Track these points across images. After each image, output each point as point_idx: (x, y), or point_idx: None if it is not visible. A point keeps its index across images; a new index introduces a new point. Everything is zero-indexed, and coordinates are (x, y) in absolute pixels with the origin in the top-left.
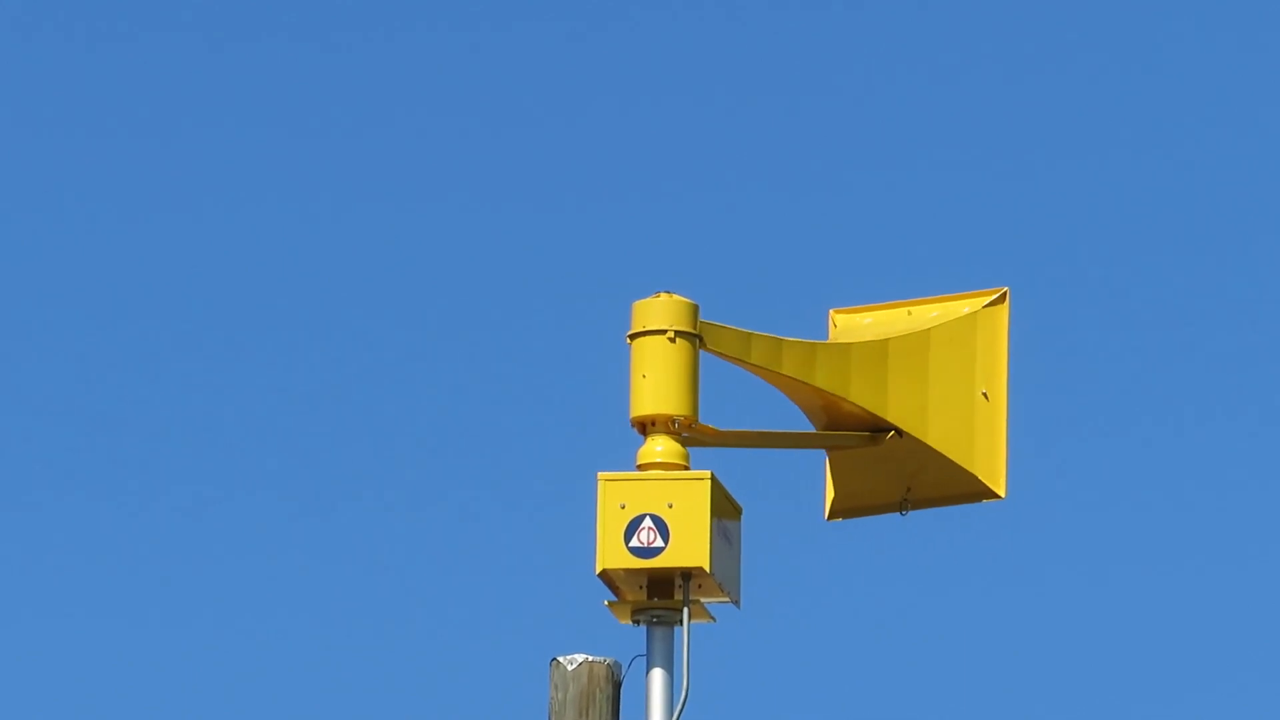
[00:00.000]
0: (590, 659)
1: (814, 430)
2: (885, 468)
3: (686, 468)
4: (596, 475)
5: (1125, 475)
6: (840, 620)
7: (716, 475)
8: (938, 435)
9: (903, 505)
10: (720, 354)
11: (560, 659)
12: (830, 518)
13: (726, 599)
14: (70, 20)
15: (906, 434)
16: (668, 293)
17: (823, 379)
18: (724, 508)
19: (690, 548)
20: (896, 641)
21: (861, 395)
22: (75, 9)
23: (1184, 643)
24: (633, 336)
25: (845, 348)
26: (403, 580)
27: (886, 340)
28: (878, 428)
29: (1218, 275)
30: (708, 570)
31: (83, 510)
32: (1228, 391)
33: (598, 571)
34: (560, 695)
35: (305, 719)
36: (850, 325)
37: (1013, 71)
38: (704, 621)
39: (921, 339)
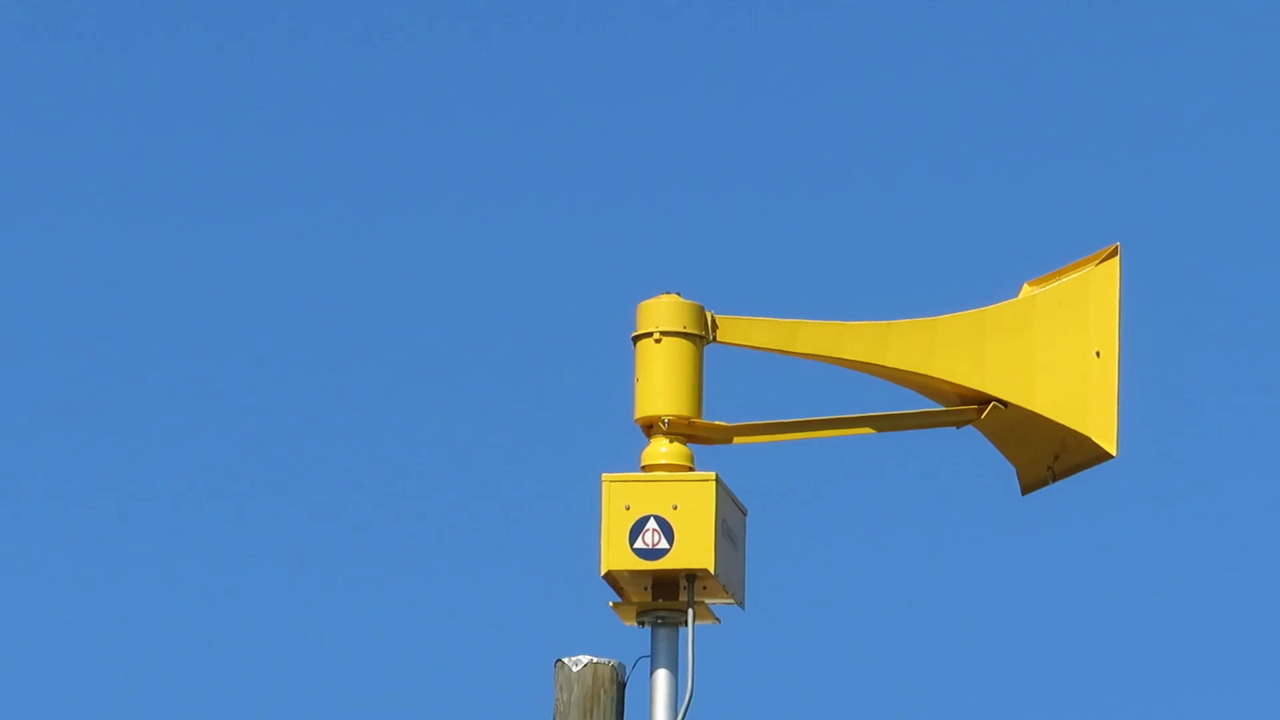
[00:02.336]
0: (595, 660)
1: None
2: (1037, 436)
3: (691, 469)
4: (601, 476)
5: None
6: (845, 621)
7: (721, 476)
8: (1046, 400)
9: (1050, 473)
10: (757, 347)
11: (565, 660)
12: (1025, 493)
13: (731, 600)
14: (70, 20)
15: (1011, 404)
16: (668, 293)
17: (897, 358)
18: (729, 508)
19: (695, 549)
20: (900, 641)
21: (950, 370)
22: (75, 8)
23: None
24: (635, 339)
25: (931, 323)
26: (407, 581)
27: (984, 311)
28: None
29: None
30: (712, 572)
31: (82, 510)
32: None
33: (602, 573)
34: (565, 696)
35: (308, 719)
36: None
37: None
38: (709, 623)
39: (1025, 305)
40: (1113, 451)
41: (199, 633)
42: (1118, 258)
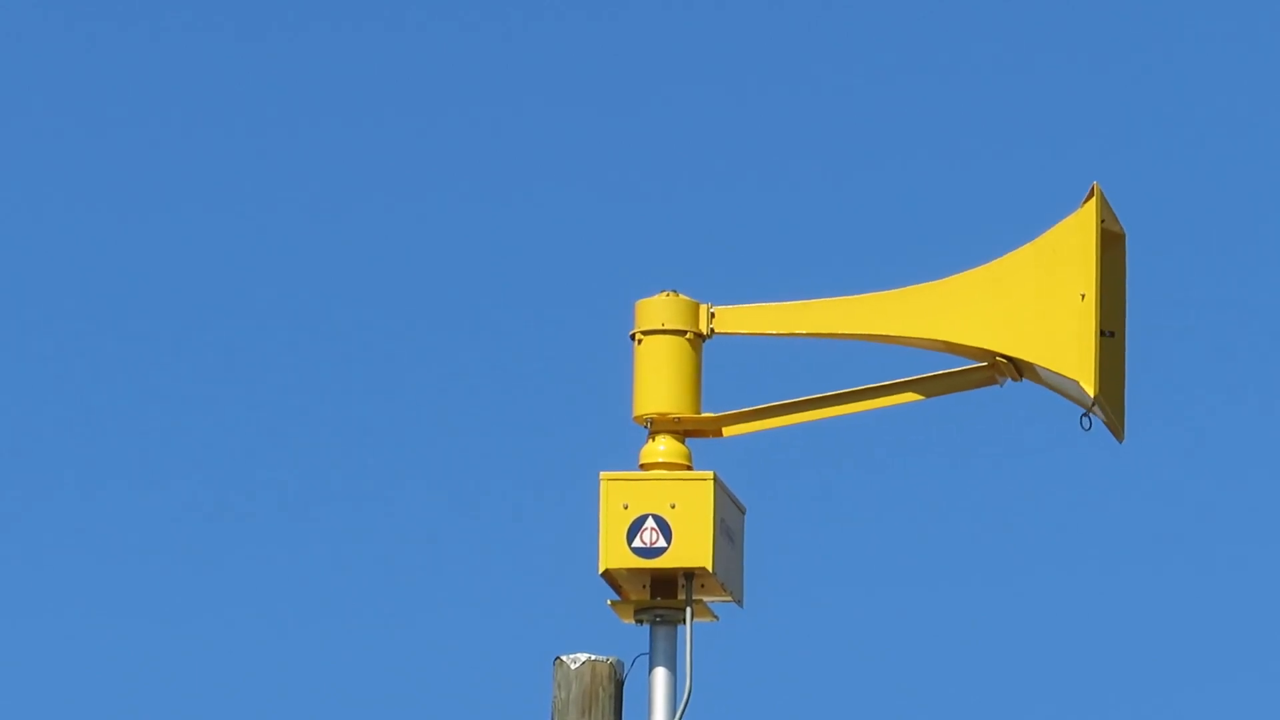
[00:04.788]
0: (593, 658)
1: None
2: (1071, 388)
3: (689, 467)
4: (599, 475)
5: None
6: (844, 618)
7: (722, 472)
8: (1040, 348)
9: (1083, 421)
10: (760, 334)
11: (563, 658)
12: (1120, 440)
13: (729, 598)
14: (69, 18)
15: (1011, 356)
16: (665, 291)
17: (902, 326)
18: (727, 507)
19: (693, 548)
20: (901, 639)
21: (957, 331)
22: (74, 6)
23: None
24: (631, 338)
25: (932, 288)
26: (405, 580)
27: (984, 268)
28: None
29: None
30: (711, 570)
31: (83, 510)
32: None
33: (600, 571)
34: (563, 694)
35: (308, 719)
36: None
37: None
38: (707, 621)
39: (1021, 257)
40: (1091, 393)
41: (198, 633)
42: (1095, 198)
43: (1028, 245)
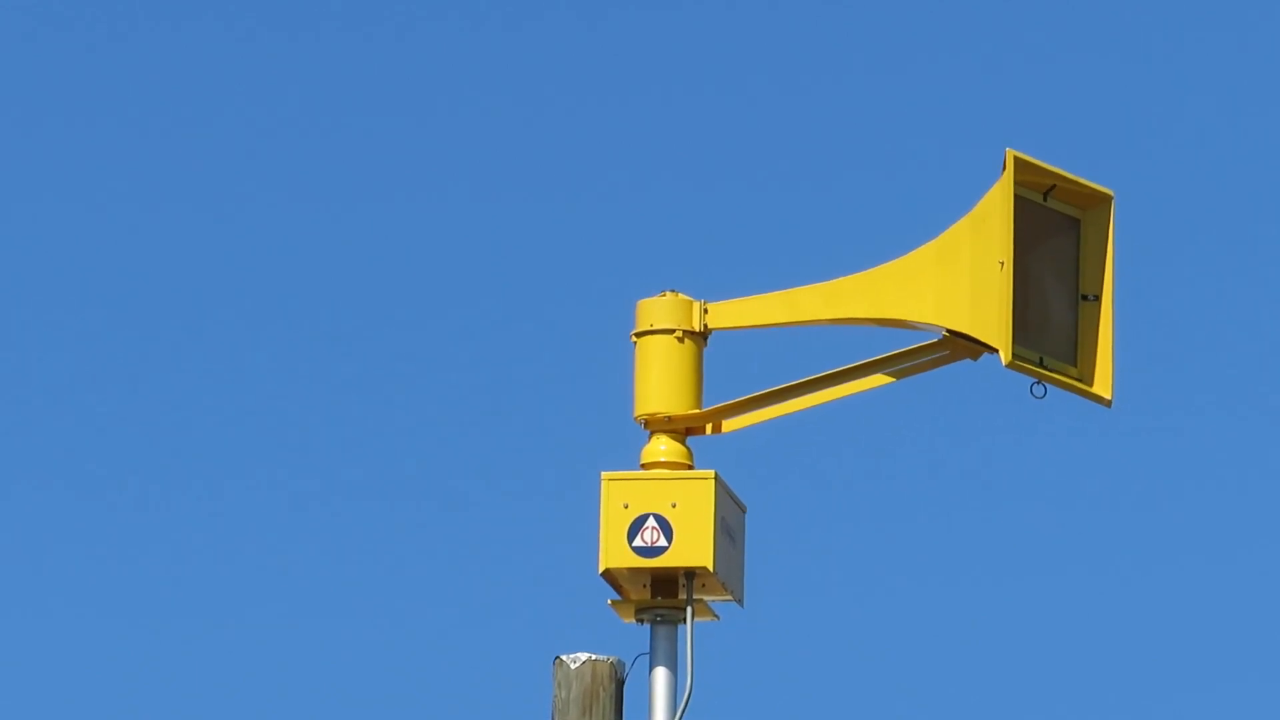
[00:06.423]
0: (593, 658)
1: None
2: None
3: (690, 467)
4: (600, 474)
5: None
6: (845, 617)
7: (724, 470)
8: (970, 320)
9: (1034, 389)
10: (750, 326)
11: (563, 657)
12: (1110, 407)
13: (730, 598)
14: (69, 17)
15: (952, 329)
16: (664, 291)
17: (867, 308)
18: (728, 506)
19: (694, 547)
20: (902, 638)
21: (909, 309)
22: (73, 5)
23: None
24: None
25: (883, 271)
26: (405, 579)
27: (931, 243)
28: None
29: None
30: (711, 570)
31: (83, 510)
32: None
33: (601, 571)
34: (563, 694)
35: (307, 719)
36: None
37: None
38: (708, 620)
39: (960, 229)
40: (1006, 358)
41: (196, 632)
42: (1009, 167)
43: (965, 217)
